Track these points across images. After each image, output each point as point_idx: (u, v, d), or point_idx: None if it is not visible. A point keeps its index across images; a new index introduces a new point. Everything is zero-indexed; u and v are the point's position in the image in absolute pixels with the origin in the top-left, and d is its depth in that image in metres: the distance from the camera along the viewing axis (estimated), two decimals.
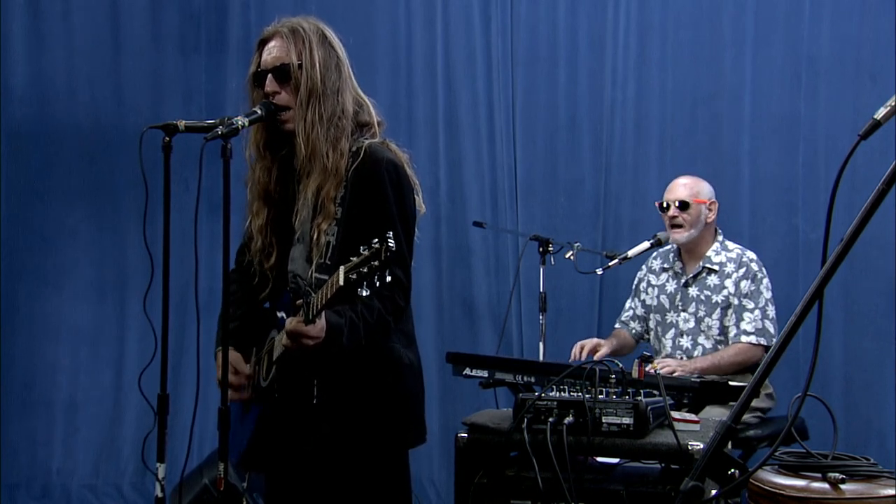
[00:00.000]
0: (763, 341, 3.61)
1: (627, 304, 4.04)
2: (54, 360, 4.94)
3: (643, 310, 3.97)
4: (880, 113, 1.52)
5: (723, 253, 3.77)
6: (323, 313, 2.13)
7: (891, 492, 1.96)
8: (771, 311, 3.66)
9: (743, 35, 4.65)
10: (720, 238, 3.81)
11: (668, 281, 3.88)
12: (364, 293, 1.96)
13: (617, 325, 4.06)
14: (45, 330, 4.94)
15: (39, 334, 4.93)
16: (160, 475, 2.25)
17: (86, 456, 4.92)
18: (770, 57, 4.63)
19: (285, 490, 2.44)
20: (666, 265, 3.91)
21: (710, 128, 4.71)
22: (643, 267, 4.01)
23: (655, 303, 3.90)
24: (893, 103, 1.52)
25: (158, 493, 2.25)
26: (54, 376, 4.93)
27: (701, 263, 3.77)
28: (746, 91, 4.63)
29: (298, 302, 2.15)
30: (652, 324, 3.92)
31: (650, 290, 3.94)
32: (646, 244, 3.84)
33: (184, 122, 2.26)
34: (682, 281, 3.81)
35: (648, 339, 3.96)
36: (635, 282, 4.03)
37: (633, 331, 4.00)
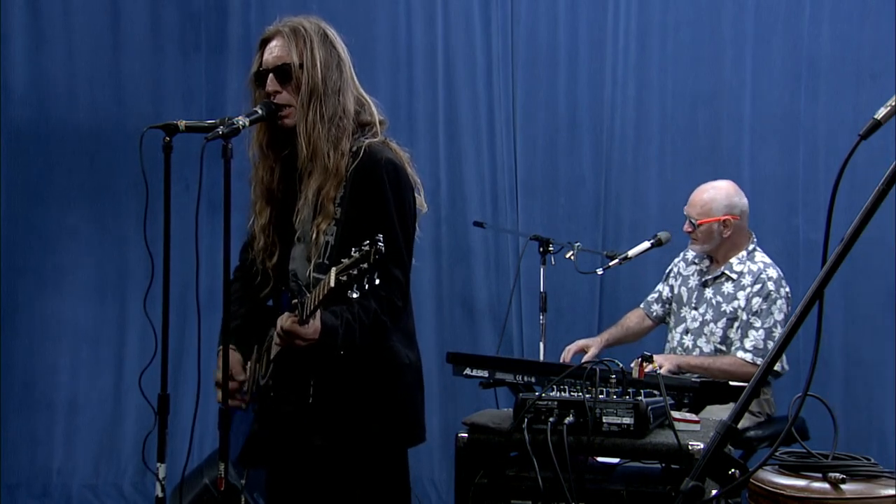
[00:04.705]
0: (759, 362, 3.54)
1: (657, 287, 4.01)
2: (54, 360, 4.94)
3: (669, 294, 3.95)
4: (880, 113, 1.52)
5: (746, 263, 3.70)
6: (318, 314, 2.14)
7: (891, 492, 1.96)
8: (777, 334, 3.57)
9: (743, 35, 4.65)
10: (750, 246, 3.73)
11: (692, 275, 3.86)
12: (354, 295, 1.97)
13: (641, 306, 4.03)
14: (45, 330, 4.93)
15: (39, 334, 4.93)
16: (160, 475, 2.25)
17: (86, 456, 4.92)
18: (770, 57, 4.63)
19: (285, 489, 2.44)
20: (697, 259, 3.88)
21: (710, 128, 4.71)
22: (680, 253, 3.97)
23: (677, 293, 3.89)
24: (893, 103, 1.51)
25: (159, 493, 2.25)
26: (54, 376, 4.93)
27: (722, 268, 3.74)
28: (746, 91, 4.63)
29: (294, 301, 2.16)
30: (672, 312, 3.92)
31: (679, 277, 3.92)
32: (646, 244, 3.84)
33: (184, 122, 2.26)
34: (703, 280, 3.80)
35: (669, 324, 3.94)
36: (669, 266, 4.00)
37: (654, 313, 3.98)
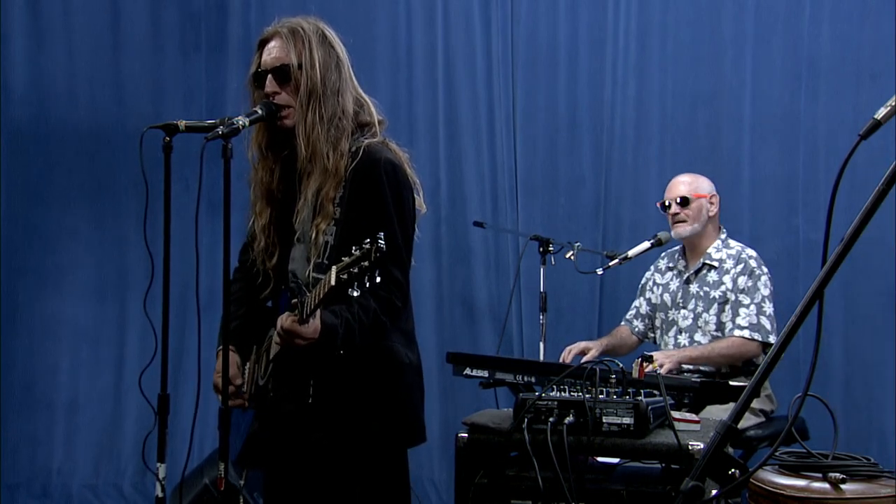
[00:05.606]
0: (757, 336, 3.59)
1: (634, 303, 4.05)
2: (54, 360, 4.94)
3: (648, 307, 3.97)
4: (880, 113, 1.52)
5: (723, 250, 3.77)
6: (318, 313, 2.14)
7: (891, 492, 1.96)
8: (767, 308, 3.64)
9: (743, 35, 4.65)
10: (723, 236, 3.82)
11: (672, 280, 3.89)
12: (355, 293, 1.97)
13: (622, 323, 4.06)
14: (45, 330, 4.94)
15: (39, 334, 4.93)
16: (160, 475, 2.25)
17: (86, 456, 4.92)
18: (770, 57, 4.63)
19: (284, 489, 2.44)
20: (671, 264, 3.93)
21: (710, 128, 4.71)
22: (651, 266, 4.03)
23: (659, 301, 3.91)
24: (893, 103, 1.51)
25: (159, 492, 2.25)
26: (54, 376, 4.93)
27: (702, 260, 3.78)
28: (746, 91, 4.63)
29: (294, 301, 2.16)
30: (657, 322, 3.93)
31: (655, 288, 3.95)
32: (646, 244, 3.85)
33: (184, 122, 2.26)
34: (685, 278, 3.82)
35: (653, 339, 3.96)
36: (642, 281, 4.04)
37: (636, 329, 4.00)
